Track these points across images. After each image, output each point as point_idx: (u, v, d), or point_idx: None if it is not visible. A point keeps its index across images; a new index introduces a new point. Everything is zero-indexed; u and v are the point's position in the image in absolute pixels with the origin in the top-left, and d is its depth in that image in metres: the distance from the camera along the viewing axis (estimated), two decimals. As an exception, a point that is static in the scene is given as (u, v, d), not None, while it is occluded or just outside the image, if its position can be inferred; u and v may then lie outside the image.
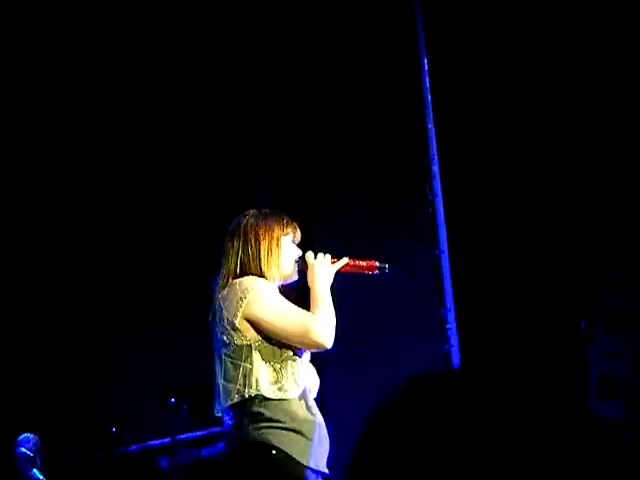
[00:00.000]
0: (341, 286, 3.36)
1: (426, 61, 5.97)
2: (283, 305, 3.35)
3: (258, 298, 3.32)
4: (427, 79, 5.97)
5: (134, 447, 6.31)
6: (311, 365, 3.52)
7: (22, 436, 4.72)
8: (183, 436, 6.15)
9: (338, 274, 3.50)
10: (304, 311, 3.37)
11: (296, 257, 3.49)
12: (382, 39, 6.20)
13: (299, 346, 3.34)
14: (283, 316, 3.32)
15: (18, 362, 6.55)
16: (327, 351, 3.38)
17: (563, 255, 5.54)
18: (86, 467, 6.25)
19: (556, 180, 5.61)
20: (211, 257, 3.57)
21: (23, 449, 4.73)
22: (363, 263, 3.51)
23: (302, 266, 3.49)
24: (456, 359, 5.62)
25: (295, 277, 3.51)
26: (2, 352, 6.50)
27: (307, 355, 3.42)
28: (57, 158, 6.76)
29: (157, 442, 6.27)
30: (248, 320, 3.33)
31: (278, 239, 3.43)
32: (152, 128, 6.75)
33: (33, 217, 6.72)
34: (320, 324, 3.32)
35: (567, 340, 5.39)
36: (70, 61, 6.53)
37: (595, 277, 5.41)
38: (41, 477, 4.74)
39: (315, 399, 3.50)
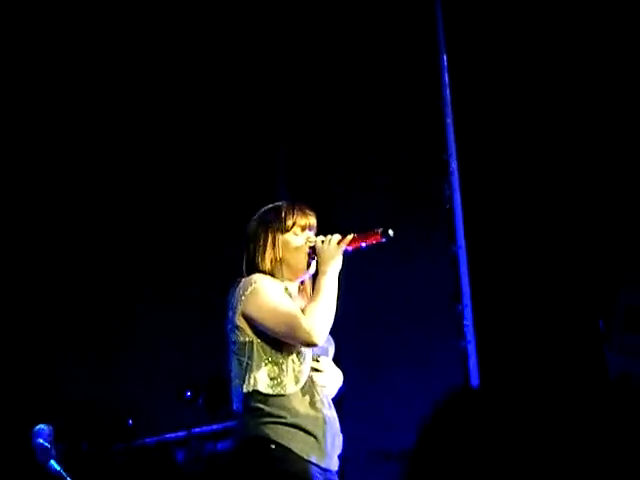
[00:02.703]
0: (359, 281, 3.35)
1: (445, 57, 5.96)
2: (274, 303, 3.34)
3: (254, 296, 3.35)
4: (446, 75, 5.95)
5: (150, 439, 6.34)
6: (330, 361, 3.51)
7: (37, 427, 4.73)
8: (199, 429, 6.17)
9: (347, 253, 3.47)
10: (294, 309, 3.35)
11: (307, 249, 3.47)
12: (401, 34, 6.18)
13: (290, 342, 3.34)
14: (272, 315, 3.33)
15: (34, 352, 6.57)
16: (343, 345, 3.38)
17: (582, 252, 5.51)
18: (103, 458, 6.28)
19: (575, 177, 5.58)
20: (232, 249, 3.59)
21: (40, 440, 4.74)
22: (367, 234, 3.50)
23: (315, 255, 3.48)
24: (472, 356, 5.61)
25: (312, 269, 3.49)
26: (18, 342, 6.52)
27: (311, 351, 3.40)
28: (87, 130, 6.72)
29: (173, 435, 6.29)
30: (245, 317, 3.36)
31: (274, 238, 3.45)
32: (175, 98, 6.69)
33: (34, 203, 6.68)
34: (308, 323, 3.29)
35: (585, 338, 5.37)
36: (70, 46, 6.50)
37: (614, 275, 5.39)
38: (59, 468, 4.75)
39: (334, 397, 3.49)
